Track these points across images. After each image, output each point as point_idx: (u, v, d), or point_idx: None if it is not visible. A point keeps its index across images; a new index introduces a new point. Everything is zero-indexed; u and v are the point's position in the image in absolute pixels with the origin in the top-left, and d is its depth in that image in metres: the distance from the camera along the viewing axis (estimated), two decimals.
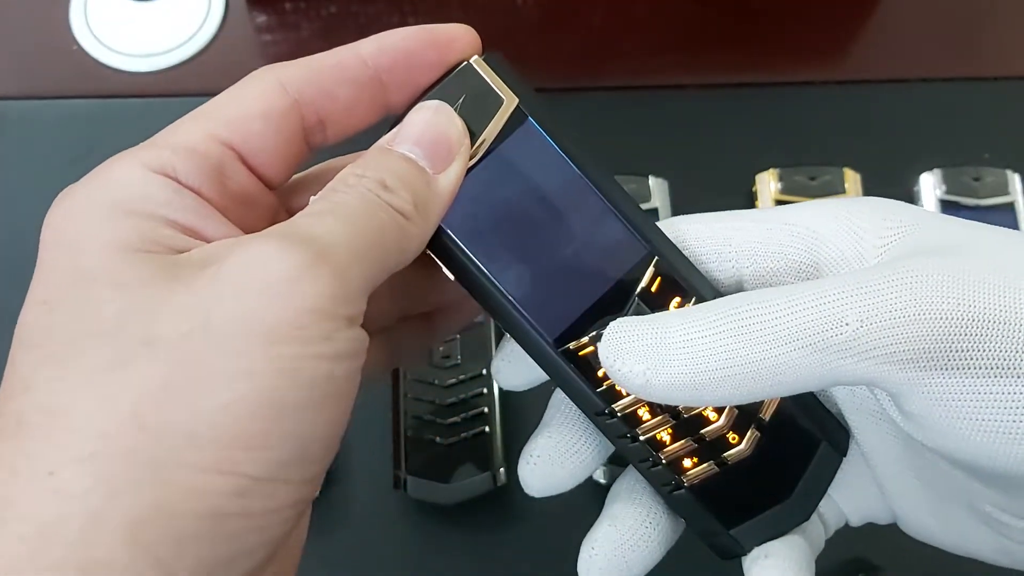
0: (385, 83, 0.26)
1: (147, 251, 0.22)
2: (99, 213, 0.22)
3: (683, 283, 0.25)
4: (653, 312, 0.25)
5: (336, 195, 0.23)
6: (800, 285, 0.23)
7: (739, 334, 0.22)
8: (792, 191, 0.48)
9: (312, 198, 0.24)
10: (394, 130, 0.25)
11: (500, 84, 0.26)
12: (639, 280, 0.25)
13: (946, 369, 0.21)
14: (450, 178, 0.25)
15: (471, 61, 0.26)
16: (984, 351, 0.21)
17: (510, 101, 0.25)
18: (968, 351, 0.21)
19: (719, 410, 0.26)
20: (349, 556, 0.43)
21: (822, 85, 0.54)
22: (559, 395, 0.27)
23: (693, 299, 0.25)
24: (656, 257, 0.25)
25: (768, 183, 0.49)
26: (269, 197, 0.26)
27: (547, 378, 0.27)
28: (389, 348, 0.31)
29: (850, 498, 0.28)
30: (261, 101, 0.25)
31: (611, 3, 0.56)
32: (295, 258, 0.21)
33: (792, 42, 0.56)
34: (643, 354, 0.23)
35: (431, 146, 0.25)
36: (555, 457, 0.27)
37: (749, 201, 0.50)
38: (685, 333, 0.23)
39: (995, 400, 0.21)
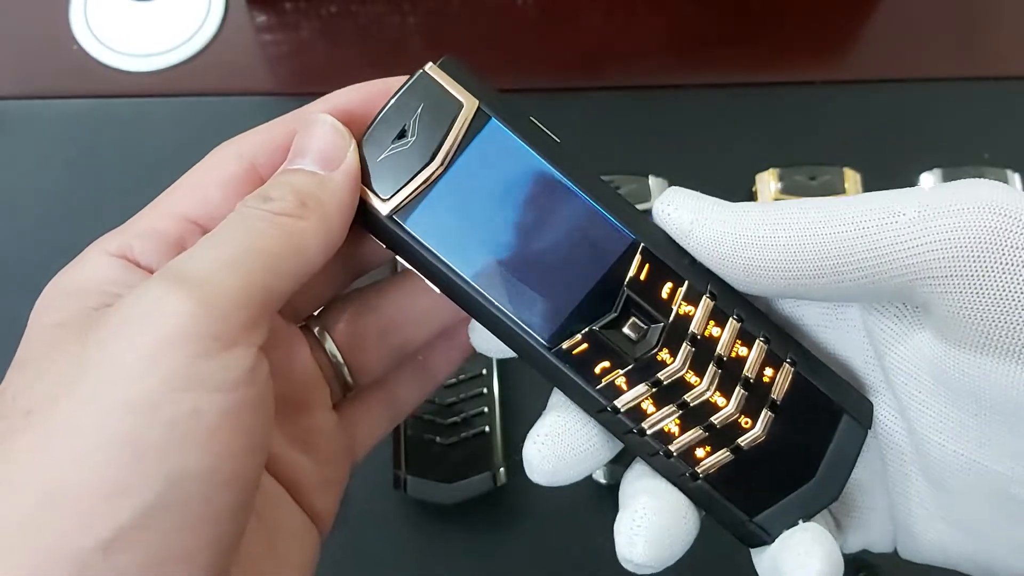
0: None
1: (67, 323, 0.22)
2: (53, 297, 0.24)
3: (675, 268, 0.25)
4: (647, 303, 0.25)
5: (220, 224, 0.24)
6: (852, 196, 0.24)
7: (792, 211, 0.23)
8: (792, 191, 0.48)
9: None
10: (289, 153, 0.26)
11: (458, 88, 0.25)
12: (627, 271, 0.25)
13: (998, 263, 0.21)
14: (345, 170, 0.25)
15: (426, 69, 0.25)
16: None
17: (470, 104, 0.25)
18: (1018, 247, 0.21)
19: (727, 394, 0.25)
20: (349, 556, 0.43)
21: (822, 85, 0.54)
22: None
23: (686, 283, 0.25)
24: (642, 244, 0.25)
25: (768, 183, 0.49)
26: None
27: (590, 470, 0.26)
28: (388, 402, 0.31)
29: (848, 520, 0.27)
30: (218, 171, 0.26)
31: (611, 3, 0.56)
32: (150, 292, 0.21)
33: (792, 42, 0.56)
34: (694, 208, 0.24)
35: (318, 152, 0.25)
36: (565, 438, 0.25)
37: (749, 201, 0.50)
38: (740, 205, 0.24)
39: None
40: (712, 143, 0.52)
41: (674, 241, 0.25)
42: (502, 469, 0.43)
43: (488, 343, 0.27)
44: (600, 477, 0.43)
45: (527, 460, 0.25)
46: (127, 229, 0.25)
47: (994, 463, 0.24)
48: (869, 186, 0.49)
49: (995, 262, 0.21)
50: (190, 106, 0.53)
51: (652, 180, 0.48)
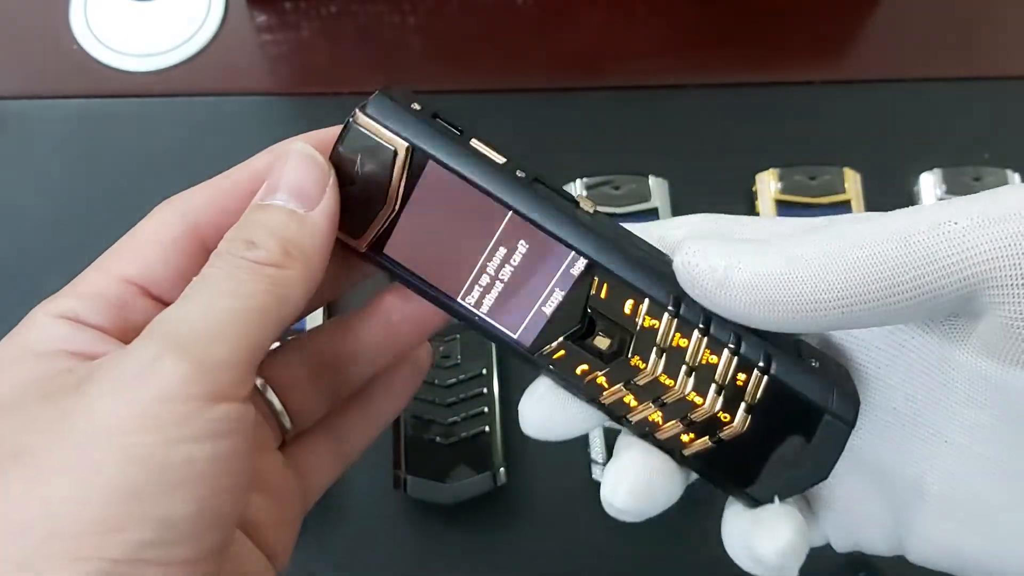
0: None
1: (42, 378, 0.23)
2: (8, 359, 0.24)
3: (634, 283, 0.25)
4: (611, 317, 0.25)
5: (204, 272, 0.24)
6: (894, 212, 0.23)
7: (836, 236, 0.22)
8: (792, 191, 0.48)
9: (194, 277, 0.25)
10: (264, 184, 0.26)
11: (386, 135, 0.25)
12: (588, 290, 0.25)
13: None
14: (324, 210, 0.25)
15: (351, 119, 0.25)
16: None
17: (402, 149, 0.25)
18: None
19: (703, 394, 0.25)
20: (349, 556, 0.43)
21: (822, 85, 0.54)
22: None
23: (647, 300, 0.25)
24: (600, 264, 0.25)
25: (768, 183, 0.49)
26: None
27: (581, 431, 0.27)
28: (335, 446, 0.31)
29: (842, 520, 0.27)
30: (156, 232, 0.26)
31: (611, 3, 0.56)
32: (145, 353, 0.22)
33: (792, 42, 0.56)
34: (724, 252, 0.23)
35: (297, 188, 0.25)
36: (561, 395, 0.27)
37: (749, 201, 0.50)
38: (779, 242, 0.23)
39: None
40: (712, 143, 0.52)
41: (635, 258, 0.25)
42: (502, 469, 0.43)
43: (543, 424, 0.27)
44: (600, 476, 0.43)
45: (522, 414, 0.27)
46: (68, 292, 0.26)
47: None
48: (869, 186, 0.49)
49: None
50: (190, 106, 0.53)
51: (652, 180, 0.49)
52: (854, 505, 0.27)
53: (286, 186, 0.25)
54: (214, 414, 0.22)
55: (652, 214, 0.48)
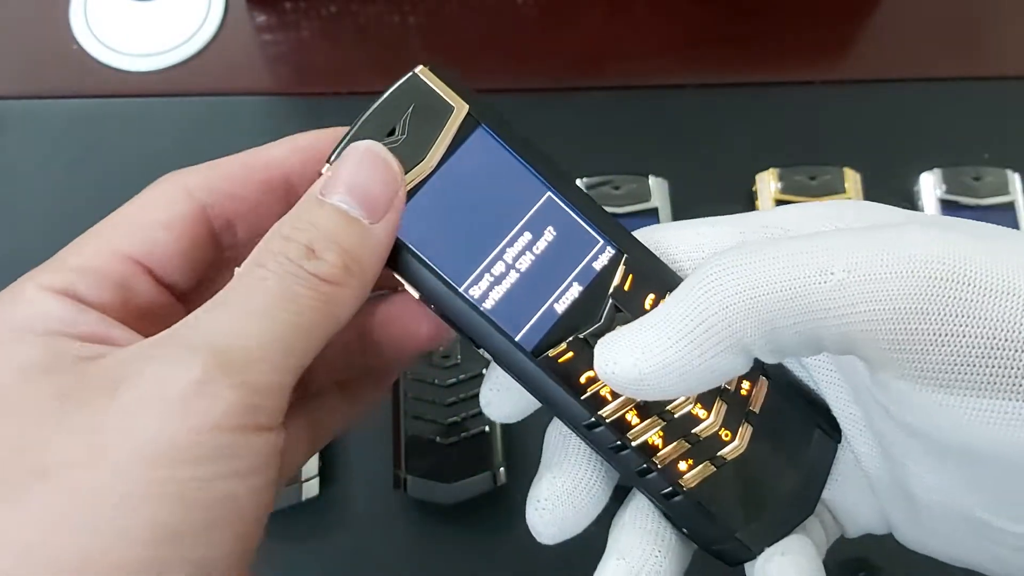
0: (295, 183, 0.25)
1: (51, 369, 0.21)
2: (8, 337, 0.22)
3: (656, 278, 0.25)
4: (629, 311, 0.25)
5: (254, 273, 0.22)
6: (784, 238, 0.22)
7: (720, 292, 0.21)
8: (792, 191, 0.48)
9: (237, 270, 0.23)
10: (326, 175, 0.24)
11: (448, 92, 0.25)
12: (611, 280, 0.25)
13: (933, 332, 0.20)
14: (388, 225, 0.23)
15: (417, 71, 0.25)
16: (977, 318, 0.20)
17: (460, 108, 0.25)
18: (958, 315, 0.20)
19: (708, 407, 0.25)
20: (349, 556, 0.43)
21: (822, 85, 0.54)
22: (552, 433, 0.26)
23: (667, 293, 0.25)
24: (625, 255, 0.25)
25: (768, 183, 0.49)
26: (176, 307, 0.25)
27: (538, 406, 0.26)
28: (311, 430, 0.30)
29: (847, 508, 0.27)
30: (165, 210, 0.24)
31: (611, 3, 0.56)
32: (192, 371, 0.20)
33: (792, 42, 0.56)
34: (630, 346, 0.22)
35: (364, 193, 0.23)
36: (564, 497, 0.25)
37: (749, 200, 0.50)
38: (666, 313, 0.22)
39: (982, 373, 0.20)
40: (712, 143, 0.52)
41: (655, 256, 0.26)
42: (502, 469, 0.43)
43: (504, 409, 0.26)
44: None
45: (531, 526, 0.25)
46: (63, 263, 0.23)
47: (957, 488, 0.23)
48: (869, 185, 0.49)
49: (928, 333, 0.20)
50: (190, 106, 0.53)
51: (652, 180, 0.49)
52: (862, 500, 0.27)
53: (351, 187, 0.23)
54: (257, 446, 0.21)
55: (652, 214, 0.48)
